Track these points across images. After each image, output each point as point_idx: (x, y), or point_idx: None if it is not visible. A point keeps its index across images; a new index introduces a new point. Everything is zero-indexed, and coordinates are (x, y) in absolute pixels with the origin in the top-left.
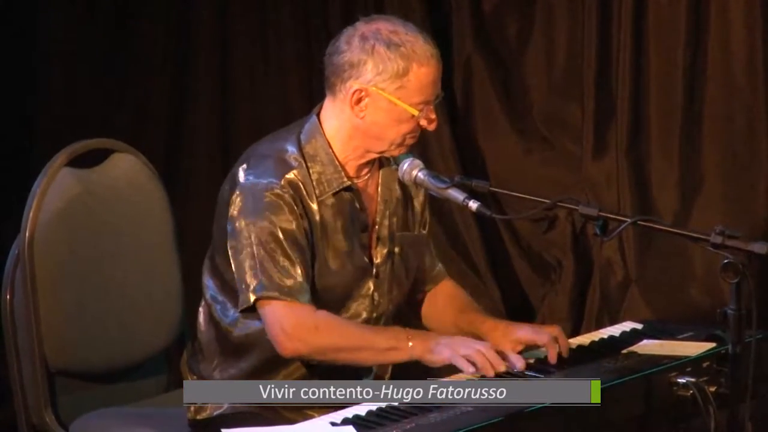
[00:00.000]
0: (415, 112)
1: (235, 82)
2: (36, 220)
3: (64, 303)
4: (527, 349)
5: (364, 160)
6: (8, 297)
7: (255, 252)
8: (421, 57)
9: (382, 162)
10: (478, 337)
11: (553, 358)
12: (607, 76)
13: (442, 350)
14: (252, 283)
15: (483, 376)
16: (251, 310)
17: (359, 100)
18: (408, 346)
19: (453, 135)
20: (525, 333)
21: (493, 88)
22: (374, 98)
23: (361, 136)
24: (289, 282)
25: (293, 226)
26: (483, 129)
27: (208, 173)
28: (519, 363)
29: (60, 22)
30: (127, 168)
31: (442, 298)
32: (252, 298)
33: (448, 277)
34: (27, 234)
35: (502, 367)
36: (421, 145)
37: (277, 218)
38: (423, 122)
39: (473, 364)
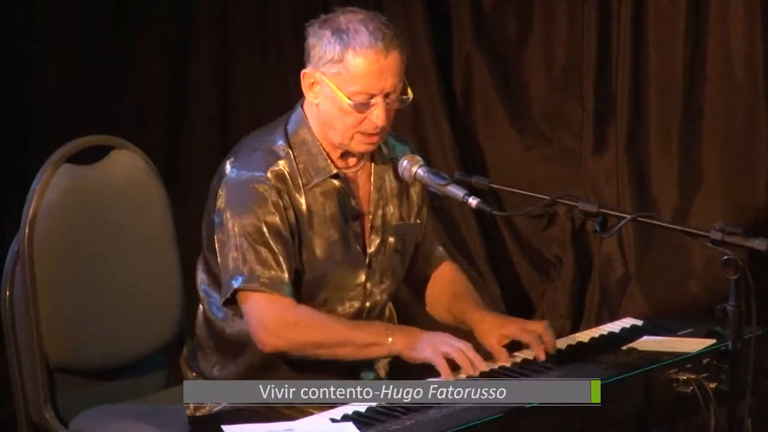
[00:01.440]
0: (347, 100)
1: (234, 79)
2: (35, 217)
3: (64, 300)
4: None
5: (338, 152)
6: (8, 294)
7: (238, 244)
8: (358, 46)
9: (373, 154)
10: (468, 327)
11: (540, 356)
12: (607, 73)
13: (423, 348)
14: (233, 274)
15: (470, 376)
16: (233, 303)
17: (312, 85)
18: (388, 341)
19: (453, 132)
20: (511, 330)
21: (493, 85)
22: (321, 84)
23: (321, 124)
24: (270, 274)
25: (278, 219)
26: (483, 126)
27: (208, 170)
28: (503, 357)
29: (60, 19)
30: (126, 164)
31: (440, 283)
32: (231, 290)
33: (447, 261)
34: (26, 230)
35: (483, 366)
36: (420, 142)
37: (261, 211)
38: (361, 114)
39: (453, 363)
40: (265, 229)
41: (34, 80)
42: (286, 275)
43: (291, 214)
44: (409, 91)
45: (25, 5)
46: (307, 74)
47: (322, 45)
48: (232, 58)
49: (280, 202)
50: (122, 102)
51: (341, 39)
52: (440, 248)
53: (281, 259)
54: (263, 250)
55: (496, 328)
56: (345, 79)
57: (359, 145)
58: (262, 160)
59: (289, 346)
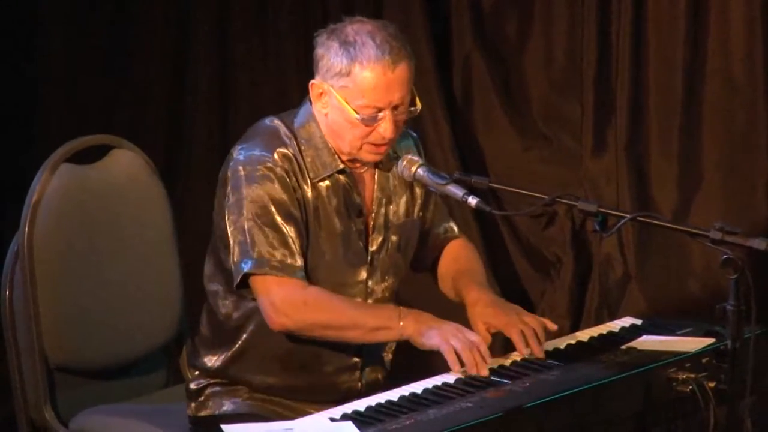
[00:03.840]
0: (354, 114)
1: (234, 79)
2: (35, 217)
3: (64, 299)
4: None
5: (346, 157)
6: (8, 293)
7: (247, 227)
8: (365, 60)
9: None
10: (464, 304)
11: (521, 352)
12: (607, 72)
13: (432, 336)
14: (242, 258)
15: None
16: (244, 287)
17: (320, 96)
18: (399, 325)
19: (452, 132)
20: (498, 322)
21: (493, 85)
22: (329, 95)
23: (330, 132)
24: (279, 256)
25: (285, 197)
26: (482, 126)
27: (207, 170)
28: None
29: (60, 18)
30: (126, 164)
31: (446, 259)
32: (241, 274)
33: (459, 238)
34: (26, 230)
35: (484, 371)
36: (420, 141)
37: (269, 191)
38: (369, 127)
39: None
40: (273, 209)
41: (34, 80)
42: (296, 256)
43: (299, 194)
44: (418, 101)
45: (26, 5)
46: (316, 85)
47: (329, 57)
48: (231, 58)
49: (288, 181)
50: (122, 102)
51: (348, 52)
52: (451, 225)
53: (290, 240)
54: (271, 232)
55: (485, 317)
56: (352, 93)
57: (367, 155)
58: (268, 143)
59: (297, 325)
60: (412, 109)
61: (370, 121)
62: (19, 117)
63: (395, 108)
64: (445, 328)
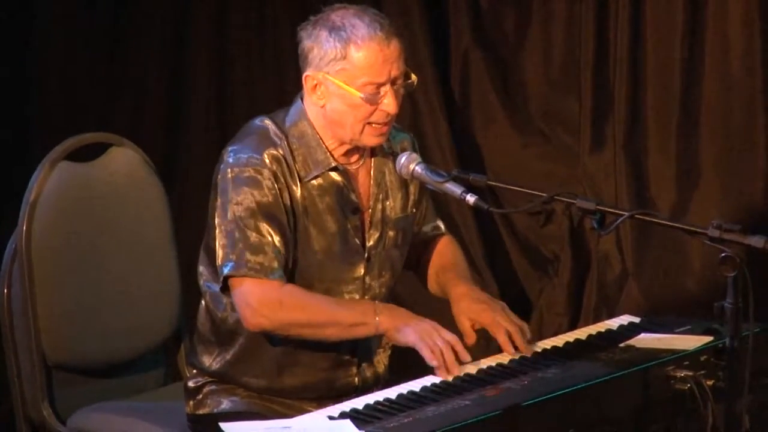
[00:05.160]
0: (358, 94)
1: (233, 77)
2: (33, 214)
3: (62, 297)
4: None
5: (344, 148)
6: (6, 291)
7: (229, 230)
8: (360, 39)
9: (374, 149)
10: (449, 298)
11: (508, 352)
12: (605, 70)
13: (408, 333)
14: (224, 261)
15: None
16: (227, 290)
17: (315, 88)
18: (375, 321)
19: (450, 129)
20: (483, 319)
21: (491, 83)
22: (325, 84)
23: (328, 124)
24: (258, 260)
25: (272, 201)
26: (480, 123)
27: (206, 168)
28: (470, 339)
29: (58, 15)
30: (124, 162)
31: (431, 255)
32: (222, 276)
33: (444, 236)
34: (24, 228)
35: (455, 371)
36: (418, 139)
37: (254, 193)
38: (373, 105)
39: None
40: (257, 211)
41: (32, 78)
42: (277, 259)
43: (287, 196)
44: (412, 75)
45: (25, 3)
46: (310, 77)
47: (321, 45)
48: (229, 57)
49: (275, 185)
50: (120, 100)
51: (340, 36)
52: (438, 224)
53: (272, 243)
54: (253, 235)
55: (471, 312)
56: (351, 74)
57: (370, 138)
58: (257, 144)
59: (273, 325)
60: (409, 81)
61: (373, 98)
62: (18, 115)
63: (394, 82)
64: (420, 325)
